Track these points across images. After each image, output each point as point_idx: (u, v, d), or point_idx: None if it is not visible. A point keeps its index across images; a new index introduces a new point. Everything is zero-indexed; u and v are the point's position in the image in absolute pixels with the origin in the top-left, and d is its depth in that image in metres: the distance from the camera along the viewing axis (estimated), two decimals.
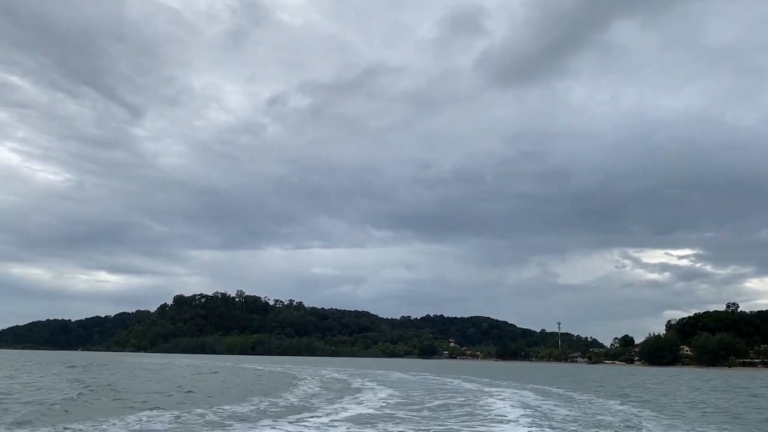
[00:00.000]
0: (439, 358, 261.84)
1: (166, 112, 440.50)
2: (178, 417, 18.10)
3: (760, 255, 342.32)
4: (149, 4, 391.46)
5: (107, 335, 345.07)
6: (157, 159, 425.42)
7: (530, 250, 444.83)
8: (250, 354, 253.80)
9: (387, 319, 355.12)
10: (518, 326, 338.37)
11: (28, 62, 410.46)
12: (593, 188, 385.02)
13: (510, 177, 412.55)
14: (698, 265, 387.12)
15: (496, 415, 20.58)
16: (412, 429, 17.65)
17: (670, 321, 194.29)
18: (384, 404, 25.05)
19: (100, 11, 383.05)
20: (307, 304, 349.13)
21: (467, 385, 40.56)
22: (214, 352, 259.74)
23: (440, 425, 18.61)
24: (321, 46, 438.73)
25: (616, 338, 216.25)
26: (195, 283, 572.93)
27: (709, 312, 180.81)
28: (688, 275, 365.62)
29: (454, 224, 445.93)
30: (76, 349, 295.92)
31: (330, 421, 18.80)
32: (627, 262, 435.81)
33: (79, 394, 25.15)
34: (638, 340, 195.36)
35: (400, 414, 21.47)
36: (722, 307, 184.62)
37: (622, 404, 27.21)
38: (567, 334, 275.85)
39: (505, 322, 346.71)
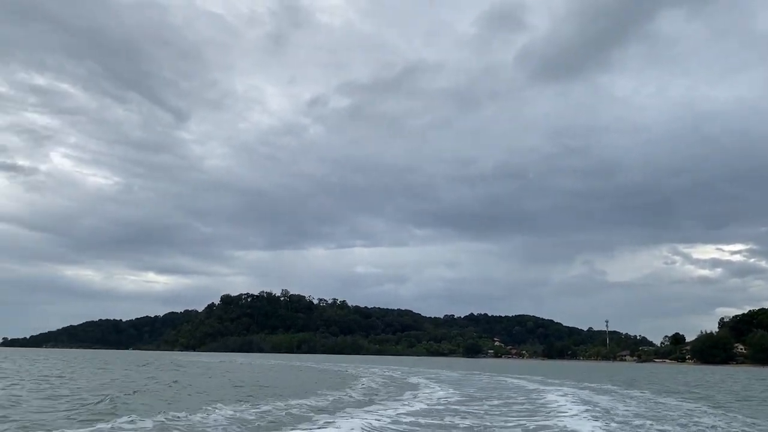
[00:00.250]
0: (484, 357, 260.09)
1: (210, 115, 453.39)
2: (259, 409, 19.31)
3: None
4: (191, 9, 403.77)
5: (157, 335, 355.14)
6: (203, 161, 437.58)
7: (576, 247, 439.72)
8: (296, 352, 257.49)
9: (430, 317, 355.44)
10: (564, 325, 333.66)
11: (78, 70, 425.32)
12: (641, 182, 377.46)
13: (554, 173, 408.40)
14: (752, 260, 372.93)
15: (559, 412, 21.13)
16: (479, 422, 18.13)
17: (723, 318, 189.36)
18: (445, 401, 25.73)
19: (144, 18, 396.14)
20: (350, 302, 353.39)
21: (522, 383, 41.11)
22: (260, 350, 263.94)
23: (506, 418, 19.25)
24: (360, 46, 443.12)
25: (666, 336, 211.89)
26: (240, 283, 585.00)
27: (765, 309, 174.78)
28: (741, 271, 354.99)
29: (497, 222, 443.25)
30: (127, 348, 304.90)
31: (396, 414, 19.50)
32: (677, 258, 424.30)
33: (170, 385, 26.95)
34: (689, 338, 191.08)
35: (463, 409, 22.16)
36: None
37: (678, 401, 27.62)
38: (615, 332, 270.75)
39: (551, 321, 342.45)
